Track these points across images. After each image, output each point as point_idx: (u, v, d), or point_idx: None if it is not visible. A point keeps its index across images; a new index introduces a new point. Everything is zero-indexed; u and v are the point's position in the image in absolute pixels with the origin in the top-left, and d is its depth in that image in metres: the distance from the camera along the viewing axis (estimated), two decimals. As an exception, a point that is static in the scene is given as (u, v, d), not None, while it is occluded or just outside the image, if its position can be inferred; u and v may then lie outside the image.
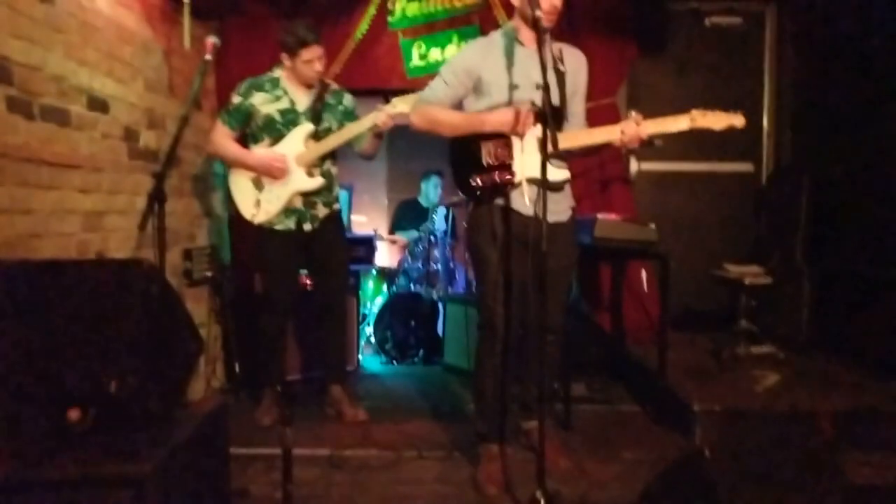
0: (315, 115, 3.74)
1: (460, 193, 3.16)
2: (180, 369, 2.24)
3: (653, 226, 3.99)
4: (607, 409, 4.04)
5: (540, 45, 2.71)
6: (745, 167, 5.23)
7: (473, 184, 2.97)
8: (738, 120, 2.92)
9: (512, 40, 3.01)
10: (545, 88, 2.58)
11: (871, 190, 4.18)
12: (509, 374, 3.09)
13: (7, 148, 2.58)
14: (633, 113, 2.91)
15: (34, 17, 2.75)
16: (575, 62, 3.10)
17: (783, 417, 3.37)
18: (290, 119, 3.72)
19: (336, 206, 3.92)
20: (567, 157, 3.06)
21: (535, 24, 2.73)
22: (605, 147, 3.02)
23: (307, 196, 3.75)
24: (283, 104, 3.72)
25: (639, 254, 4.22)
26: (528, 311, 3.00)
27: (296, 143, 3.71)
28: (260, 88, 3.73)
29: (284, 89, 3.73)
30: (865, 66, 4.32)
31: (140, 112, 3.63)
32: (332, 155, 3.83)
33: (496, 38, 3.10)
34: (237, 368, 4.35)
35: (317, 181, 3.73)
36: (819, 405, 3.40)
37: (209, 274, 4.34)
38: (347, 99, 3.88)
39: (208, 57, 3.23)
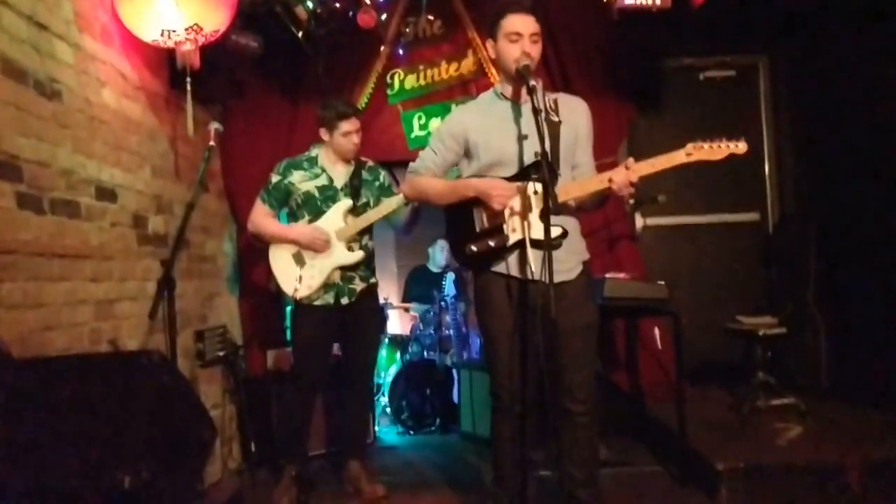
0: (354, 190, 3.81)
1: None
2: (194, 459, 2.22)
3: (662, 283, 3.99)
4: (630, 471, 3.97)
5: (530, 95, 2.63)
6: (750, 217, 5.26)
7: (468, 252, 2.88)
8: (739, 147, 2.75)
9: (495, 97, 2.96)
10: (541, 139, 2.53)
11: (880, 232, 4.18)
12: (528, 444, 3.01)
13: (18, 244, 2.61)
14: (629, 160, 2.75)
15: (42, 115, 2.82)
16: (573, 111, 2.96)
17: (809, 471, 3.30)
18: (328, 195, 3.78)
19: (373, 280, 3.94)
20: (573, 212, 2.95)
21: (520, 75, 2.72)
22: (607, 199, 2.93)
23: (346, 271, 3.79)
24: (322, 181, 3.79)
25: (650, 311, 4.19)
26: (552, 383, 2.77)
27: (336, 218, 3.76)
28: (298, 167, 3.81)
29: (322, 167, 3.81)
30: (862, 108, 4.36)
31: (148, 199, 3.68)
32: (370, 230, 3.88)
33: (483, 98, 3.07)
34: (253, 447, 4.30)
35: (357, 255, 3.77)
36: (845, 458, 3.34)
37: (222, 354, 4.34)
38: (383, 175, 3.96)
39: (212, 143, 3.31)
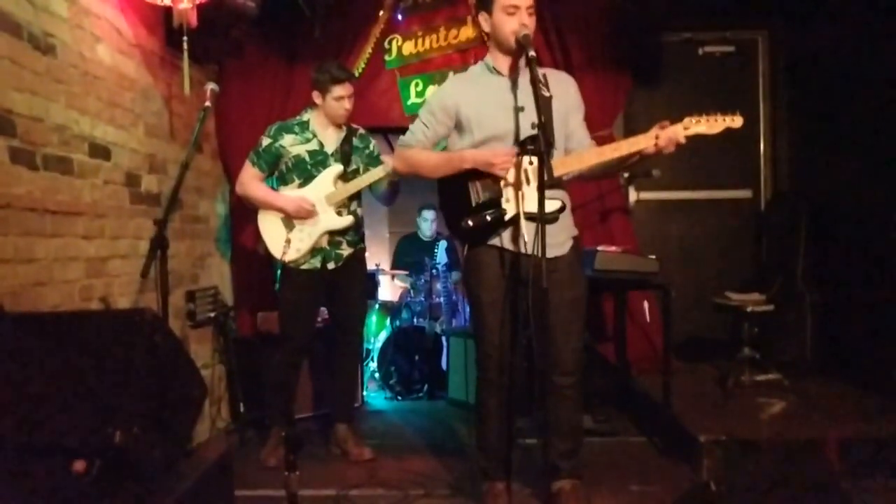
0: (344, 156, 3.81)
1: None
2: (184, 417, 2.24)
3: (653, 257, 4.02)
4: (613, 441, 4.03)
5: (530, 64, 2.63)
6: (743, 194, 5.27)
7: (464, 226, 2.85)
8: (735, 121, 2.79)
9: (487, 71, 2.94)
10: (538, 109, 2.53)
11: (871, 212, 4.20)
12: (513, 412, 3.05)
13: (10, 198, 2.61)
14: (663, 122, 2.78)
15: (36, 69, 2.80)
16: (562, 84, 2.97)
17: (790, 446, 3.35)
18: (319, 160, 3.78)
19: (361, 246, 3.96)
20: (564, 185, 2.97)
21: (519, 45, 2.72)
22: (626, 165, 2.95)
23: (334, 235, 3.80)
24: (313, 146, 3.78)
25: (640, 285, 4.22)
26: (540, 355, 2.86)
27: (326, 183, 3.76)
28: (289, 131, 3.80)
29: (314, 132, 3.80)
30: (860, 88, 4.36)
31: (141, 157, 3.67)
32: (359, 196, 3.88)
33: (473, 71, 3.06)
34: (242, 408, 4.34)
35: (346, 220, 3.78)
36: (826, 434, 3.39)
37: (212, 315, 4.36)
38: (373, 144, 3.97)
39: (208, 104, 3.29)
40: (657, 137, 2.74)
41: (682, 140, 2.74)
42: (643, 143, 2.77)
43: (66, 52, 3.01)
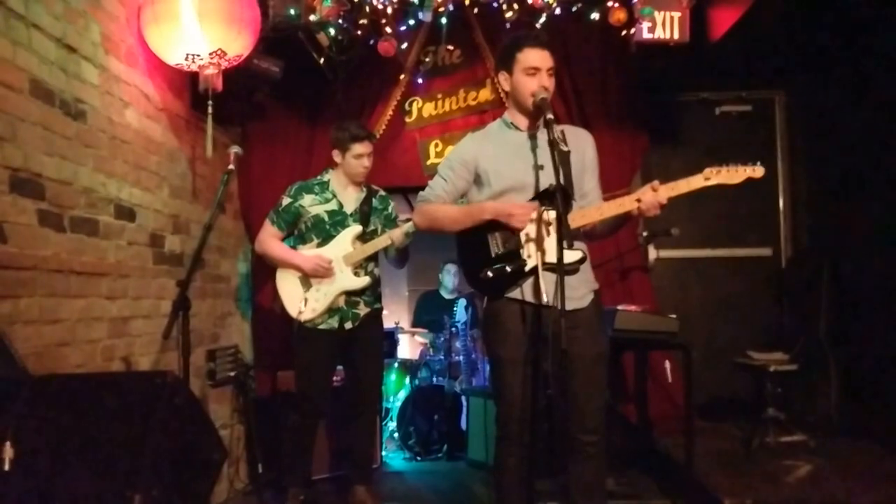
0: (363, 216, 3.85)
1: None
2: (203, 480, 2.24)
3: (673, 316, 4.00)
4: (636, 505, 3.95)
5: (548, 127, 2.66)
6: (763, 252, 5.25)
7: (483, 277, 2.83)
8: (756, 171, 2.79)
9: (506, 127, 2.97)
10: (556, 171, 2.55)
11: (894, 267, 4.16)
12: (535, 473, 2.99)
13: (37, 260, 2.66)
14: (655, 182, 2.77)
15: (67, 134, 2.88)
16: (580, 141, 2.97)
17: (818, 511, 3.28)
18: (338, 220, 3.82)
19: (377, 306, 3.97)
20: (584, 239, 2.96)
21: (538, 108, 2.74)
22: (619, 228, 2.96)
23: (351, 295, 3.81)
24: (332, 206, 3.83)
25: (661, 344, 4.19)
26: (563, 414, 2.81)
27: (344, 243, 3.80)
28: (309, 190, 3.85)
29: (333, 192, 3.85)
30: (878, 144, 4.36)
31: (165, 218, 3.73)
32: (376, 257, 3.92)
33: (491, 128, 3.07)
34: (260, 469, 4.31)
35: (363, 280, 3.80)
36: (855, 497, 3.31)
37: (232, 374, 4.36)
38: (392, 206, 4.02)
39: (232, 167, 3.35)
40: (639, 201, 2.74)
41: (664, 202, 2.74)
42: (627, 205, 2.78)
43: (96, 118, 3.10)
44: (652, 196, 2.73)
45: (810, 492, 3.47)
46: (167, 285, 3.62)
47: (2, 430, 1.96)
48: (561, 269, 2.54)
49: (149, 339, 3.46)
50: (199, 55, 3.45)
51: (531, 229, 2.84)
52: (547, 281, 2.75)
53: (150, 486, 1.91)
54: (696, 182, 2.77)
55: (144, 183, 3.52)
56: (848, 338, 4.50)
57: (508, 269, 2.83)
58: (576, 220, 2.85)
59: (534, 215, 2.80)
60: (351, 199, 3.88)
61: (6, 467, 1.93)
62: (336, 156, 3.82)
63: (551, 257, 2.73)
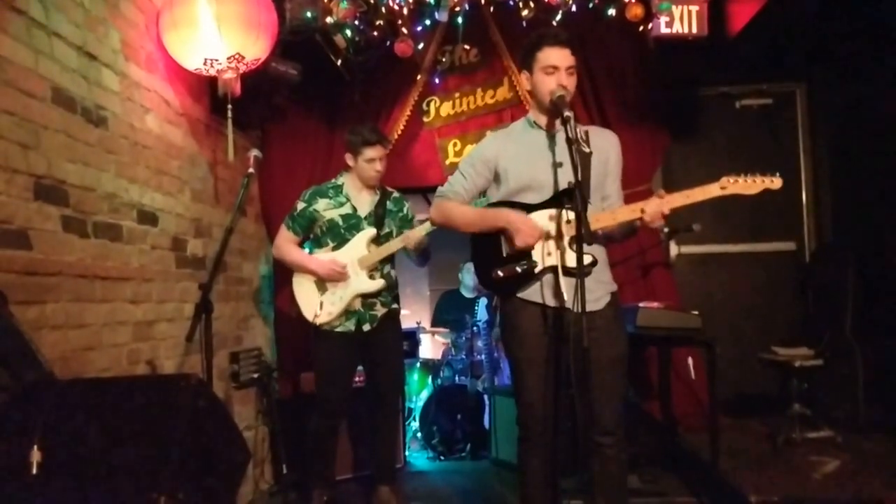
0: (378, 220, 3.86)
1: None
2: (228, 482, 2.25)
3: (696, 312, 3.97)
4: (661, 503, 3.92)
5: (565, 125, 2.65)
6: (787, 246, 5.21)
7: (494, 276, 2.84)
8: (774, 182, 2.76)
9: (528, 126, 2.97)
10: (574, 168, 2.54)
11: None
12: (558, 470, 2.99)
13: (62, 266, 2.69)
14: (661, 191, 2.78)
15: (89, 141, 2.91)
16: (604, 143, 2.97)
17: (846, 507, 3.25)
18: (352, 224, 3.83)
19: (395, 306, 3.97)
20: (603, 241, 2.95)
21: (555, 105, 2.73)
22: (636, 231, 2.92)
23: (367, 298, 3.82)
24: (346, 210, 3.84)
25: (684, 341, 4.16)
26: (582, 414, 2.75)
27: (359, 246, 3.81)
28: (323, 195, 3.87)
29: (347, 195, 3.87)
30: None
31: (187, 222, 3.76)
32: (392, 259, 3.92)
33: (514, 127, 3.08)
34: (285, 469, 4.34)
35: (378, 283, 3.81)
36: (883, 493, 3.27)
37: (256, 376, 4.39)
38: (407, 207, 4.02)
39: (251, 170, 3.38)
40: (643, 211, 2.73)
41: (667, 212, 2.72)
42: (629, 214, 2.78)
43: (117, 124, 3.13)
44: (656, 206, 2.72)
45: (837, 488, 3.44)
46: (190, 288, 3.65)
47: (29, 435, 1.98)
48: (581, 268, 2.54)
49: (173, 343, 3.49)
50: (217, 60, 3.48)
51: (551, 228, 2.84)
52: (565, 283, 2.76)
53: (175, 489, 1.92)
54: (711, 191, 2.76)
55: (166, 187, 3.55)
56: (874, 332, 4.44)
57: (518, 269, 2.83)
58: (590, 224, 2.84)
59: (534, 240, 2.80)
60: (365, 202, 3.89)
61: (34, 471, 1.96)
62: (349, 159, 3.83)
63: (566, 260, 2.74)
